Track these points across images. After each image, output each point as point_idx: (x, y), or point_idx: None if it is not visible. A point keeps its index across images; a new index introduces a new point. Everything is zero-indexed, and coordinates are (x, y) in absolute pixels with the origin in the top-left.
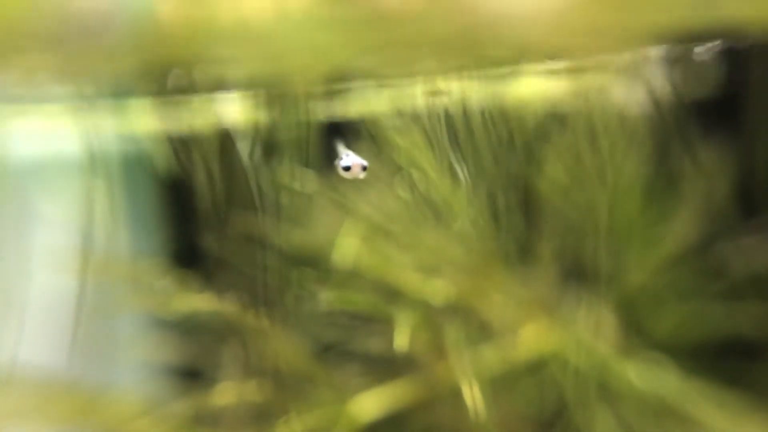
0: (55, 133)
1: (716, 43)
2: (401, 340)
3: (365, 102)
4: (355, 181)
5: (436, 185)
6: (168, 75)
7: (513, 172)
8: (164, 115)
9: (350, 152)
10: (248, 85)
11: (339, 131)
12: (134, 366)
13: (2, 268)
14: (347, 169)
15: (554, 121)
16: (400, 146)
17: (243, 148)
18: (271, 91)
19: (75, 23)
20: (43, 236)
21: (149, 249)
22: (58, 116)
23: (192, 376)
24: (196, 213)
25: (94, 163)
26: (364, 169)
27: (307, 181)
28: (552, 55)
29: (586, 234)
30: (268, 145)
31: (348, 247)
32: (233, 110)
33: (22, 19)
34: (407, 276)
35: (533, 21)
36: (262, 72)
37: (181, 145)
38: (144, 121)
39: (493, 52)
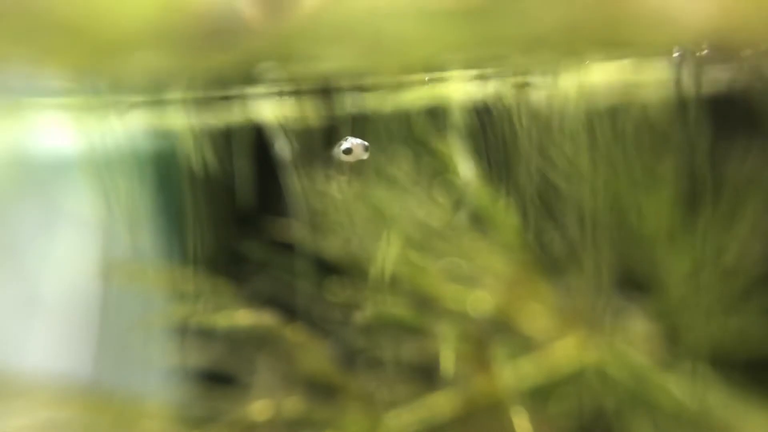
0: (83, 129)
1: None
2: (446, 355)
3: (407, 104)
4: (394, 189)
5: (477, 193)
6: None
7: (555, 181)
8: (203, 116)
9: (349, 137)
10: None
11: (372, 134)
12: (164, 372)
13: (26, 269)
14: (348, 152)
15: (594, 129)
16: (440, 152)
17: (281, 151)
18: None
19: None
20: (69, 237)
21: (178, 252)
22: (88, 113)
23: (224, 384)
24: (230, 217)
25: (125, 163)
26: (366, 149)
27: (344, 186)
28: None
29: (626, 244)
30: (305, 148)
31: (386, 255)
32: (274, 112)
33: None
34: (446, 286)
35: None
36: (349, 67)
37: (218, 146)
38: (181, 121)
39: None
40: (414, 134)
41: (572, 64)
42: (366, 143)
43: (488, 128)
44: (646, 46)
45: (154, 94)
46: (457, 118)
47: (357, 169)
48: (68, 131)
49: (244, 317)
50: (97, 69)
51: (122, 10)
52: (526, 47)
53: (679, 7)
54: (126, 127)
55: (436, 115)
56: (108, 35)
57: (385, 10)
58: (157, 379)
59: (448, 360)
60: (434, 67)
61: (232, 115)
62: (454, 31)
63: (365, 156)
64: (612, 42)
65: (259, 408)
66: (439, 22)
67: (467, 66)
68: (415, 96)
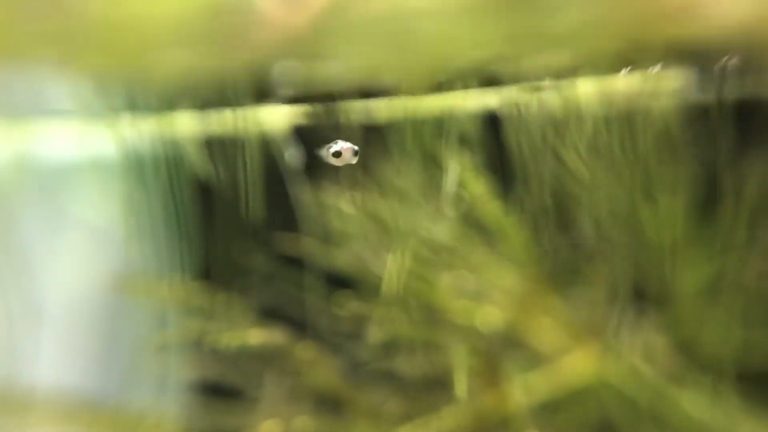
0: (92, 136)
1: None
2: (455, 370)
3: (417, 113)
4: (403, 202)
5: (487, 206)
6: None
7: (567, 192)
8: (214, 126)
9: (339, 140)
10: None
11: (381, 146)
12: (170, 386)
13: (33, 278)
14: (337, 155)
15: (608, 138)
16: (450, 165)
17: (290, 163)
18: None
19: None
20: (76, 246)
21: (185, 265)
22: (98, 120)
23: (231, 398)
24: (238, 230)
25: (132, 172)
26: (356, 153)
27: (352, 199)
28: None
29: (639, 255)
30: (314, 159)
31: (395, 270)
32: (284, 121)
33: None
34: (455, 300)
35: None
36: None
37: (227, 158)
38: (191, 131)
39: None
40: (423, 145)
41: (591, 68)
42: (356, 147)
43: (499, 139)
44: (672, 47)
45: (169, 100)
46: (467, 128)
47: (366, 181)
48: (77, 138)
49: (254, 334)
50: (121, 70)
51: (149, 9)
52: (549, 46)
53: (708, 5)
54: (135, 135)
55: (446, 125)
56: (135, 34)
57: (407, 7)
58: (163, 393)
59: (457, 375)
60: (453, 69)
61: (243, 126)
62: (477, 29)
63: (354, 160)
64: (637, 41)
65: (268, 425)
66: (463, 19)
67: (485, 68)
68: (428, 103)
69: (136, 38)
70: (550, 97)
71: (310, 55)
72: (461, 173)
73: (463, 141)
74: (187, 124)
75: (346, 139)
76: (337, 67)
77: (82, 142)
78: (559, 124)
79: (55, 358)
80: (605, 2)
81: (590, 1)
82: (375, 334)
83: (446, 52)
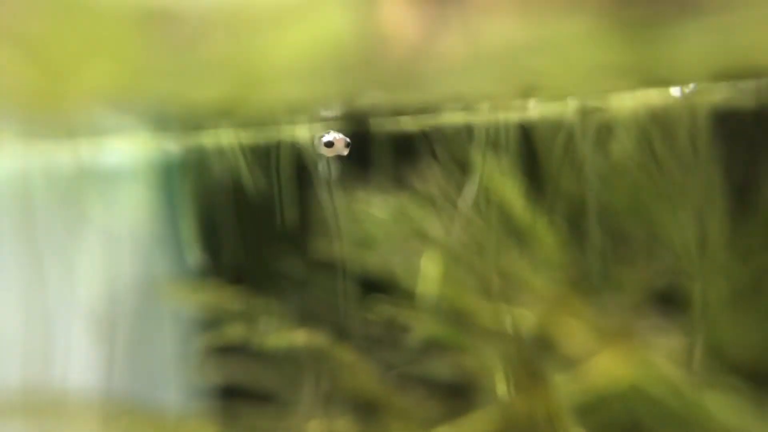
0: (135, 147)
1: None
2: (488, 373)
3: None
4: (433, 207)
5: (517, 211)
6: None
7: (592, 198)
8: (249, 135)
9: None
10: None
11: (413, 152)
12: (203, 390)
13: (59, 282)
14: (329, 144)
15: (635, 145)
16: (481, 170)
17: (323, 169)
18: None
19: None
20: (104, 250)
21: (219, 269)
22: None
23: (266, 401)
24: (271, 234)
25: (163, 176)
26: (348, 145)
27: (384, 204)
28: None
29: (666, 260)
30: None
31: (426, 273)
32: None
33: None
34: (486, 304)
35: None
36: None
37: (261, 163)
38: (226, 140)
39: None
40: (455, 151)
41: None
42: (347, 139)
43: (530, 144)
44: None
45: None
46: (499, 134)
47: (398, 187)
48: (120, 148)
49: (295, 337)
50: (234, 102)
51: (272, 45)
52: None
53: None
54: (176, 145)
55: (478, 132)
56: (255, 70)
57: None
58: (198, 397)
59: (490, 378)
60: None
61: (277, 134)
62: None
63: (345, 152)
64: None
65: (307, 428)
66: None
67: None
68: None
69: (252, 73)
70: (584, 107)
71: (401, 84)
72: (493, 178)
73: (495, 147)
74: (227, 136)
75: (380, 147)
76: (425, 96)
77: (124, 153)
78: (592, 132)
79: (89, 361)
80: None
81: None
82: (409, 337)
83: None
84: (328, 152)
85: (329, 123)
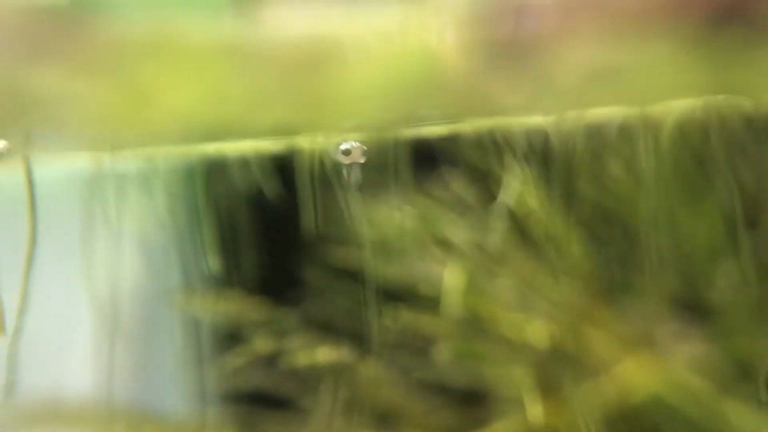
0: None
1: None
2: (507, 383)
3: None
4: (456, 215)
5: (540, 219)
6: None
7: (614, 206)
8: (269, 145)
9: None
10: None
11: (436, 161)
12: (219, 396)
13: (71, 285)
14: (347, 152)
15: (655, 152)
16: (503, 178)
17: (345, 176)
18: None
19: None
20: (126, 256)
21: (238, 276)
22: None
23: (277, 409)
24: (291, 242)
25: (181, 182)
26: (364, 153)
27: (405, 213)
28: None
29: (687, 268)
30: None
31: (449, 282)
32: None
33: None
34: (506, 313)
35: None
36: None
37: (280, 169)
38: (249, 149)
39: None
40: (478, 158)
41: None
42: (364, 146)
43: (551, 153)
44: None
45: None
46: (519, 142)
47: (420, 194)
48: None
49: (320, 350)
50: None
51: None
52: None
53: None
54: (197, 154)
55: (501, 139)
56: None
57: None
58: (213, 405)
59: (511, 388)
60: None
61: (297, 143)
62: None
63: (362, 159)
64: None
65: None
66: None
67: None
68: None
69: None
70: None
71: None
72: (516, 186)
73: (518, 154)
74: (248, 145)
75: (402, 154)
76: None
77: (145, 160)
78: (613, 140)
79: (90, 364)
80: None
81: None
82: (429, 346)
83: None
84: (346, 160)
85: (350, 132)
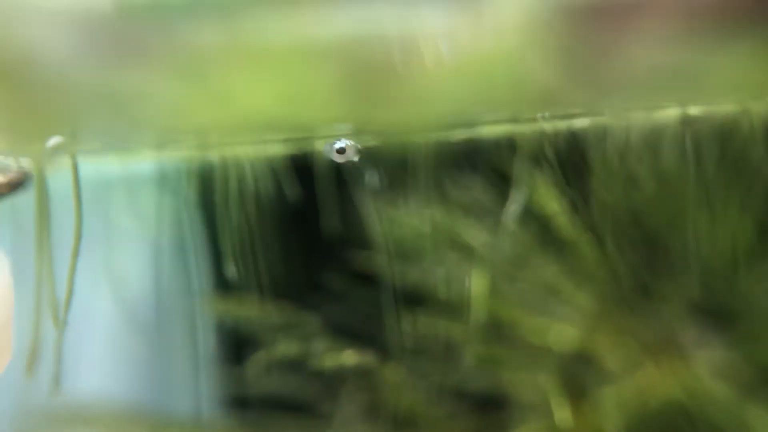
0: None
1: None
2: (528, 388)
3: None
4: (474, 218)
5: (560, 223)
6: None
7: (636, 210)
8: (288, 148)
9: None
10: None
11: (457, 165)
12: (237, 400)
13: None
14: (341, 151)
15: (678, 158)
16: (523, 182)
17: (365, 180)
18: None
19: None
20: (141, 259)
21: (256, 280)
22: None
23: (301, 413)
24: (310, 246)
25: (211, 191)
26: (358, 152)
27: (424, 217)
28: None
29: (710, 272)
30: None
31: (469, 287)
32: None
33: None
34: (528, 318)
35: None
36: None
37: (299, 173)
38: (270, 152)
39: None
40: (497, 163)
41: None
42: (358, 145)
43: (573, 156)
44: None
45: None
46: (540, 147)
47: (440, 198)
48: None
49: (342, 357)
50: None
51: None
52: None
53: None
54: (217, 157)
55: (521, 143)
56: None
57: None
58: (232, 408)
59: (532, 393)
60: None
61: (316, 145)
62: None
63: (356, 158)
64: None
65: None
66: None
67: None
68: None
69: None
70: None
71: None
72: (536, 190)
73: (538, 158)
74: (267, 148)
75: (421, 158)
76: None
77: (164, 162)
78: (635, 144)
79: (102, 366)
80: None
81: None
82: (449, 351)
83: None
84: (340, 159)
85: (367, 134)
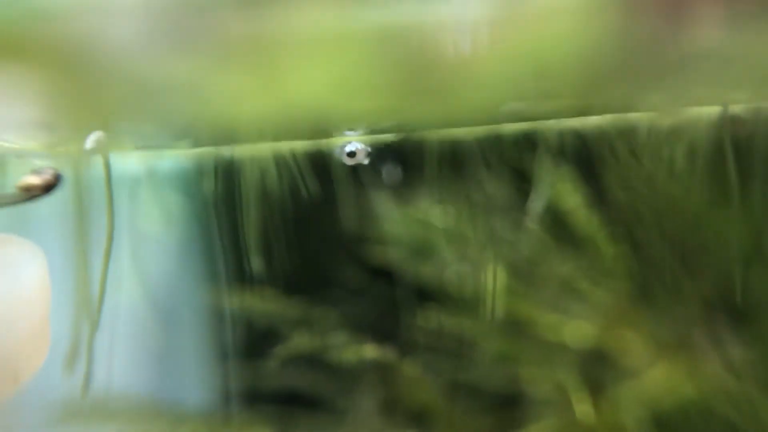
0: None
1: None
2: (544, 385)
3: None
4: (492, 215)
5: (578, 219)
6: None
7: (653, 208)
8: (305, 145)
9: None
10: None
11: (471, 160)
12: (254, 396)
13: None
14: (352, 155)
15: (695, 155)
16: (542, 179)
17: (383, 175)
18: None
19: None
20: (155, 255)
21: (272, 275)
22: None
23: (316, 408)
24: (328, 241)
25: (226, 186)
26: (368, 155)
27: (440, 213)
28: None
29: (725, 270)
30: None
31: (483, 283)
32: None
33: None
34: (544, 314)
35: None
36: None
37: (317, 168)
38: (285, 148)
39: None
40: (514, 159)
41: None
42: (368, 149)
43: (590, 154)
44: None
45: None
46: (558, 143)
47: (456, 195)
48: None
49: (358, 352)
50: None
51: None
52: None
53: None
54: (232, 153)
55: (538, 139)
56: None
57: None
58: (250, 405)
59: (548, 390)
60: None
61: (332, 142)
62: None
63: (366, 161)
64: None
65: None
66: None
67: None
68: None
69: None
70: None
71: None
72: (554, 186)
73: (556, 154)
74: (284, 144)
75: (437, 155)
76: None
77: (181, 159)
78: (654, 142)
79: (134, 364)
80: None
81: None
82: (465, 347)
83: None
84: (350, 161)
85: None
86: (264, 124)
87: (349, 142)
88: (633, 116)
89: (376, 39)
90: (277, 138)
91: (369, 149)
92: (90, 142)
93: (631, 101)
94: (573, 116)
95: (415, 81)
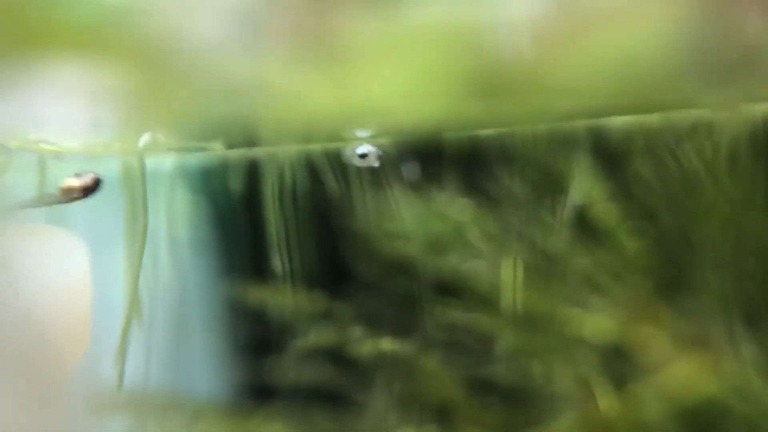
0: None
1: None
2: (565, 381)
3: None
4: (509, 210)
5: (600, 214)
6: None
7: (676, 204)
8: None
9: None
10: None
11: (489, 155)
12: (271, 389)
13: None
14: (364, 156)
15: (716, 151)
16: (561, 173)
17: (401, 169)
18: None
19: None
20: (173, 252)
21: (291, 271)
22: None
23: (334, 403)
24: (343, 235)
25: (243, 183)
26: (379, 157)
27: (459, 208)
28: None
29: (747, 266)
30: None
31: (504, 278)
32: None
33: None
34: (565, 310)
35: None
36: None
37: (332, 162)
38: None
39: None
40: (534, 154)
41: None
42: (380, 151)
43: (610, 149)
44: None
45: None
46: (579, 137)
47: (476, 189)
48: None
49: (375, 347)
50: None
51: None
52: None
53: None
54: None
55: (557, 135)
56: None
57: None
58: (266, 398)
59: (568, 386)
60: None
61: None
62: None
63: (377, 164)
64: None
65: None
66: None
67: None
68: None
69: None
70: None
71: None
72: (576, 181)
73: (577, 149)
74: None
75: (455, 150)
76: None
77: (203, 157)
78: (677, 138)
79: (149, 359)
80: None
81: None
82: (484, 342)
83: None
84: (362, 163)
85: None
86: (328, 126)
87: (361, 143)
88: (676, 114)
89: (445, 40)
90: (332, 139)
91: (381, 152)
92: (142, 142)
93: (687, 98)
94: (630, 114)
95: (484, 82)
